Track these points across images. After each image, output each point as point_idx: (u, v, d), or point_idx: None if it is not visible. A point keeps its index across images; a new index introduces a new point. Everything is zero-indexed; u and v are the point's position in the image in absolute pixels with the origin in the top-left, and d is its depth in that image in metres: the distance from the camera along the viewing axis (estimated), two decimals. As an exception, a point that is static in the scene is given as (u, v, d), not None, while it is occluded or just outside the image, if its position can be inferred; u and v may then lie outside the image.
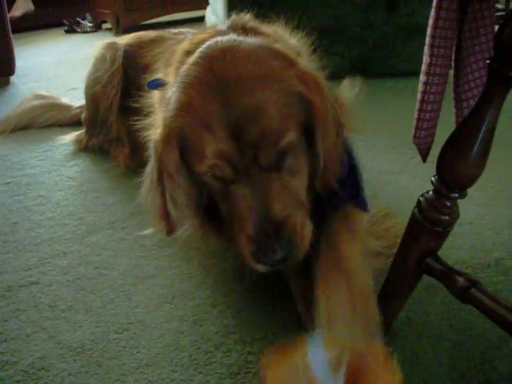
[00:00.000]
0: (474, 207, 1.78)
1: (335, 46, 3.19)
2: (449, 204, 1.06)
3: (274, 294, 1.35)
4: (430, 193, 1.08)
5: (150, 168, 1.23)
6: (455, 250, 1.55)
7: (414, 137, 1.12)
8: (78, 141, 2.39)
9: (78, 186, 1.93)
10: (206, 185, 1.15)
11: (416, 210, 1.10)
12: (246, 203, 1.08)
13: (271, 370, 0.99)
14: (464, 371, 1.15)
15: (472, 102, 1.12)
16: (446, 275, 1.08)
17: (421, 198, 1.10)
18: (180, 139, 1.13)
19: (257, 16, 1.45)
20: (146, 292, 1.37)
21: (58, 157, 2.27)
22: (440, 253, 1.14)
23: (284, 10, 2.93)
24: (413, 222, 1.11)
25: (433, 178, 1.06)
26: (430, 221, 1.08)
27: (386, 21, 3.22)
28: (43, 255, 1.51)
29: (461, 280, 1.04)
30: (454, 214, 1.07)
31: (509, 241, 1.61)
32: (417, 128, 1.10)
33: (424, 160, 1.17)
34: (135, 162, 2.03)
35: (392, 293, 1.21)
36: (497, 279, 1.44)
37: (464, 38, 1.07)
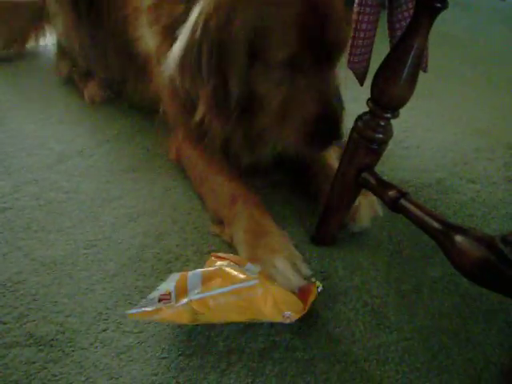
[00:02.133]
0: (422, 132, 1.90)
1: None
2: (382, 123, 1.16)
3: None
4: (366, 115, 1.18)
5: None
6: (401, 171, 1.67)
7: (349, 62, 1.22)
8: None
9: (47, 118, 2.00)
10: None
11: (353, 129, 1.20)
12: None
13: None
14: (398, 276, 1.28)
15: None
16: (380, 188, 1.19)
17: (358, 120, 1.20)
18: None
19: None
20: (113, 212, 1.47)
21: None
22: (386, 173, 1.25)
23: None
24: (351, 141, 1.22)
25: (368, 101, 1.17)
26: (366, 139, 1.18)
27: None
28: (16, 183, 1.59)
29: (392, 192, 1.15)
30: (388, 133, 1.18)
31: (451, 163, 1.73)
32: (351, 54, 1.20)
33: (361, 84, 1.27)
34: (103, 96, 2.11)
35: (335, 206, 1.32)
36: (436, 197, 1.56)
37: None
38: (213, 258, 1.21)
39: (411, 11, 1.19)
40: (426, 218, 1.09)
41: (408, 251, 1.36)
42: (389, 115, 1.15)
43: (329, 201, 1.32)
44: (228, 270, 1.11)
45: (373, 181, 1.21)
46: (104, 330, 1.13)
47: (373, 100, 1.15)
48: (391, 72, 1.09)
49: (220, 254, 1.21)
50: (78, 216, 1.45)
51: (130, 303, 1.18)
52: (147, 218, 1.45)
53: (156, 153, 1.76)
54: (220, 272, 1.10)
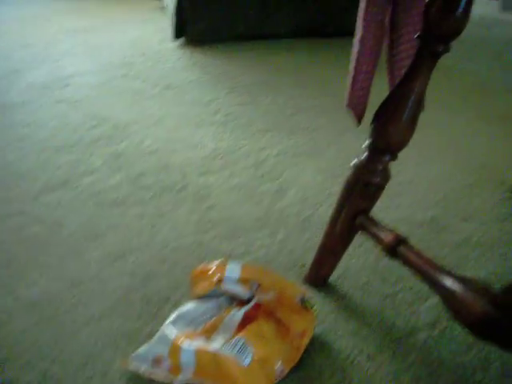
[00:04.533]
0: (413, 166, 1.87)
1: (288, 6, 3.22)
2: (380, 167, 1.13)
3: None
4: (363, 156, 1.15)
5: None
6: (394, 208, 1.63)
7: (348, 103, 1.19)
8: None
9: (30, 145, 1.96)
10: None
11: (350, 172, 1.17)
12: None
13: (195, 283, 1.21)
14: (393, 321, 1.24)
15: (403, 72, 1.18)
16: (377, 233, 1.15)
17: (355, 161, 1.17)
18: None
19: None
20: (98, 249, 1.43)
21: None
22: (379, 211, 1.22)
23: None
24: (347, 183, 1.19)
25: (366, 142, 1.14)
26: (363, 182, 1.15)
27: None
28: (-3, 215, 1.54)
29: (389, 238, 1.12)
30: (386, 177, 1.15)
31: (444, 200, 1.70)
32: (350, 95, 1.17)
33: (358, 123, 1.24)
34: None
35: (329, 249, 1.28)
36: (430, 236, 1.52)
37: (398, 10, 1.13)
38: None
39: (410, 51, 1.16)
40: (426, 268, 1.05)
41: (402, 295, 1.33)
42: (387, 159, 1.12)
43: (323, 244, 1.28)
44: (223, 359, 1.05)
45: (369, 225, 1.17)
46: (89, 378, 1.08)
47: (371, 143, 1.11)
48: (390, 115, 1.07)
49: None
50: (62, 252, 1.40)
51: (117, 349, 1.13)
52: (134, 255, 1.40)
53: (144, 184, 1.71)
54: (214, 362, 1.05)
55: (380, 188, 1.16)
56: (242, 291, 1.17)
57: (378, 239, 1.15)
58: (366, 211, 1.20)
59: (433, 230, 1.58)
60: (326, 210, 1.63)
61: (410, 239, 1.10)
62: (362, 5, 1.11)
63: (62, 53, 3.08)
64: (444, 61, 1.03)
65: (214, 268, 1.20)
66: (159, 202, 1.63)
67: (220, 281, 1.18)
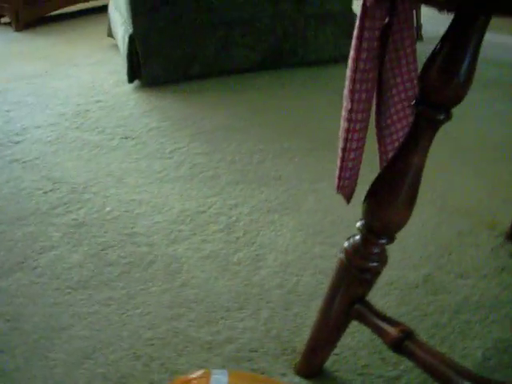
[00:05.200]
0: (397, 217, 1.74)
1: (246, 39, 3.10)
2: (377, 251, 1.01)
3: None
4: (357, 238, 1.02)
5: None
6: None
7: (338, 187, 1.06)
8: None
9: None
10: None
11: (343, 256, 1.04)
12: None
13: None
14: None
15: (397, 144, 1.06)
16: (378, 325, 1.02)
17: (347, 244, 1.04)
18: None
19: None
20: (64, 346, 1.28)
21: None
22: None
23: (188, 3, 2.88)
24: (340, 270, 1.06)
25: (358, 224, 1.01)
26: (358, 268, 1.02)
27: (296, 10, 3.14)
28: None
29: (394, 331, 0.99)
30: (383, 260, 1.02)
31: (435, 253, 1.58)
32: (340, 177, 1.04)
33: (348, 202, 1.11)
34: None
35: (323, 339, 1.15)
36: (426, 300, 1.41)
37: (386, 77, 1.01)
38: None
39: (403, 121, 1.04)
40: (439, 367, 0.93)
41: (406, 377, 1.19)
42: (384, 241, 0.99)
43: (316, 335, 1.15)
44: None
45: (369, 315, 1.05)
46: None
47: (365, 224, 0.98)
48: (386, 195, 0.95)
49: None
50: (23, 354, 1.25)
51: None
52: (105, 352, 1.25)
53: (109, 259, 1.56)
54: None
55: (377, 273, 1.03)
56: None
57: (379, 332, 1.03)
58: (362, 298, 1.06)
59: (428, 292, 1.46)
60: (310, 278, 1.51)
61: (415, 332, 0.99)
62: (349, 72, 0.98)
63: (11, 103, 2.90)
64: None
65: (195, 381, 1.05)
66: (127, 281, 1.48)
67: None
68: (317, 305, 1.34)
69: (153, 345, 1.29)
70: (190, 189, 1.98)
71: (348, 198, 1.09)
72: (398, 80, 1.03)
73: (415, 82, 1.02)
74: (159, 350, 1.27)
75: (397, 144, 1.06)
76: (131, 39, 2.92)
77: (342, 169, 1.03)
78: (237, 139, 2.40)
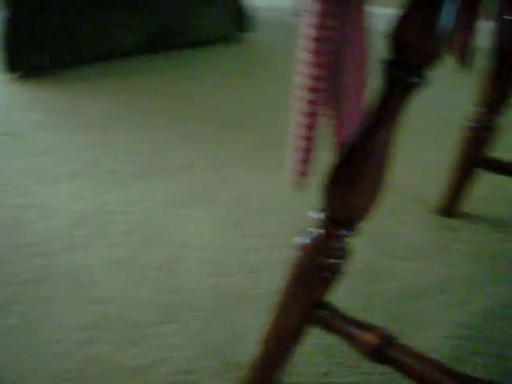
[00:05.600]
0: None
1: (130, 20, 2.86)
2: (338, 245, 0.84)
3: None
4: (314, 231, 0.85)
5: None
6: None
7: (302, 173, 0.87)
8: None
9: None
10: None
11: (298, 254, 0.86)
12: None
13: None
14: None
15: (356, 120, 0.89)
16: (350, 332, 0.86)
17: (301, 239, 0.87)
18: None
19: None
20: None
21: None
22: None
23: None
24: (297, 271, 0.89)
25: (315, 214, 0.83)
26: (317, 267, 0.85)
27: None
28: None
29: (371, 337, 0.83)
30: (345, 256, 0.85)
31: (369, 233, 1.43)
32: (305, 161, 0.85)
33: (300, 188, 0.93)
34: None
35: (275, 351, 0.98)
36: (372, 288, 1.25)
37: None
38: None
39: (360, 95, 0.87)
40: (427, 371, 0.79)
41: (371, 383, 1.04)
42: (346, 232, 0.82)
43: (269, 345, 0.97)
44: None
45: (335, 320, 0.87)
46: None
47: (325, 215, 0.81)
48: (350, 178, 0.77)
49: None
50: None
51: None
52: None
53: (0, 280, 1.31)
54: None
55: (339, 271, 0.86)
56: None
57: (351, 339, 0.86)
58: (322, 301, 0.89)
59: (372, 279, 1.31)
60: (239, 277, 1.34)
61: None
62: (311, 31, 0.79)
63: None
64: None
65: None
66: (26, 303, 1.24)
67: None
68: (253, 308, 1.17)
69: (68, 379, 1.07)
70: (86, 186, 1.74)
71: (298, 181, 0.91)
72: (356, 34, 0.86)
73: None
74: (80, 385, 1.05)
75: (354, 121, 0.89)
76: (7, 26, 2.61)
77: (308, 150, 0.85)
78: (131, 128, 2.17)
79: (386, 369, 1.05)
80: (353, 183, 0.79)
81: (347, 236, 0.85)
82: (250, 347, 1.13)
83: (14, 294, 1.28)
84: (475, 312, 1.27)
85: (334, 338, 1.10)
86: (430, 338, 1.17)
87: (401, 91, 0.74)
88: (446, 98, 2.64)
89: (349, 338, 0.87)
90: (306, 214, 1.58)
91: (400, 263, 1.40)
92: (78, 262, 1.38)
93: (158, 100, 2.51)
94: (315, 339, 1.13)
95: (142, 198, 1.66)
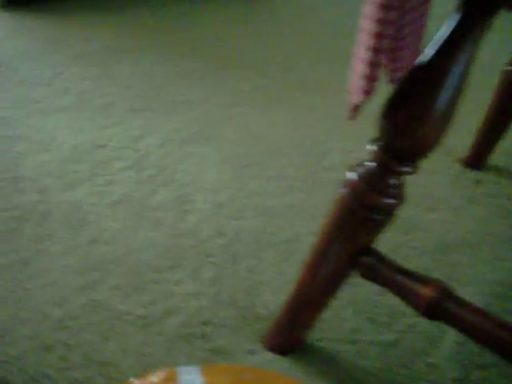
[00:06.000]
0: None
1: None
2: (395, 182, 0.71)
3: None
4: (368, 166, 0.72)
5: None
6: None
7: (367, 91, 0.72)
8: None
9: None
10: None
11: (346, 191, 0.74)
12: None
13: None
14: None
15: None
16: (401, 282, 0.73)
17: (352, 175, 0.74)
18: None
19: None
20: None
21: None
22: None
23: None
24: (342, 208, 0.75)
25: (371, 146, 0.70)
26: (369, 207, 0.72)
27: None
28: None
29: (427, 291, 0.71)
30: (401, 197, 0.73)
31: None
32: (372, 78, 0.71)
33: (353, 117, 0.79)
34: None
35: (306, 304, 0.86)
36: (400, 241, 1.13)
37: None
38: None
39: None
40: (492, 329, 0.67)
41: (408, 338, 0.92)
42: (407, 169, 0.69)
43: (299, 296, 0.84)
44: None
45: (384, 270, 0.75)
46: None
47: (382, 147, 0.68)
48: (418, 103, 0.63)
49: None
50: None
51: None
52: (0, 345, 0.89)
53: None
54: None
55: (392, 214, 0.74)
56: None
57: (403, 292, 0.74)
58: (370, 247, 0.77)
59: (399, 231, 1.18)
60: (253, 221, 1.22)
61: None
62: None
63: None
64: None
65: None
66: (18, 241, 1.11)
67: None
68: (269, 255, 1.04)
69: (67, 328, 0.94)
70: (81, 119, 1.59)
71: (355, 109, 0.76)
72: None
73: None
74: (77, 335, 0.93)
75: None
76: None
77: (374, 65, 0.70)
78: (128, 61, 2.01)
79: (422, 327, 0.95)
80: (419, 111, 0.66)
81: (406, 173, 0.72)
82: (268, 298, 1.01)
83: (4, 231, 1.14)
84: (508, 269, 1.16)
85: (365, 291, 0.99)
86: (463, 295, 1.05)
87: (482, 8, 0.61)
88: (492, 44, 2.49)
89: (399, 290, 0.75)
90: (316, 156, 1.46)
91: (429, 214, 1.28)
92: (72, 200, 1.25)
93: (157, 34, 2.34)
94: (344, 292, 1.01)
95: (141, 134, 1.52)
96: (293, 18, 2.67)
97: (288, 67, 2.05)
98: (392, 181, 0.73)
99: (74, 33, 2.25)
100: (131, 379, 0.73)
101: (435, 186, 1.38)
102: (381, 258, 0.78)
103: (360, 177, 0.74)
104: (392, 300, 1.00)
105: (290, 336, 0.92)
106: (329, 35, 2.47)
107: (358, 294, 1.04)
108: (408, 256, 1.14)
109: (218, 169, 1.40)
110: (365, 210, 0.74)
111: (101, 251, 1.10)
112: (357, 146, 1.53)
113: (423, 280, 0.73)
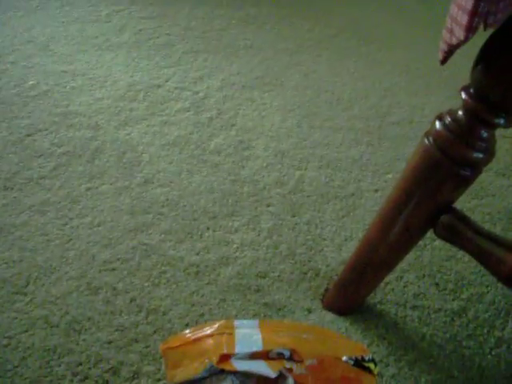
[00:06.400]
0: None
1: None
2: (486, 135, 0.62)
3: None
4: (458, 115, 0.63)
5: None
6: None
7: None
8: None
9: None
10: None
11: (430, 142, 0.65)
12: None
13: (176, 362, 0.67)
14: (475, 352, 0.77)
15: None
16: (484, 248, 0.65)
17: (438, 125, 0.65)
18: None
19: None
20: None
21: None
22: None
23: None
24: (425, 160, 0.67)
25: (463, 95, 0.62)
26: (457, 160, 0.64)
27: None
28: None
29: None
30: (491, 152, 0.64)
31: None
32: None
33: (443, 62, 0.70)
34: None
35: (374, 262, 0.78)
36: (472, 205, 1.04)
37: None
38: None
39: None
40: None
41: (472, 312, 0.85)
42: (501, 121, 0.60)
43: (366, 254, 0.77)
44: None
45: (467, 232, 0.66)
46: None
47: (474, 93, 0.60)
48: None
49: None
50: None
51: None
52: (45, 283, 0.87)
53: (36, 148, 1.13)
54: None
55: (480, 170, 0.65)
56: (265, 369, 0.64)
57: (486, 258, 0.66)
58: (452, 206, 0.69)
59: (470, 195, 1.10)
60: (316, 172, 1.14)
61: None
62: None
63: None
64: None
65: (211, 338, 0.66)
66: (67, 177, 1.07)
67: (226, 357, 0.64)
68: (330, 209, 0.97)
69: (114, 270, 0.89)
70: (138, 58, 1.53)
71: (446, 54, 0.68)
72: None
73: None
74: (125, 279, 0.88)
75: None
76: None
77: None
78: (188, 2, 1.92)
79: (490, 297, 0.87)
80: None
81: (498, 125, 0.63)
82: (328, 254, 0.94)
83: (53, 167, 1.09)
84: None
85: (430, 254, 0.92)
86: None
87: None
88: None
89: (480, 253, 0.67)
90: (382, 110, 1.37)
91: (498, 179, 1.19)
92: (126, 139, 1.19)
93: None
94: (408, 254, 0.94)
95: (201, 76, 1.45)
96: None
97: (356, 19, 1.95)
98: (482, 133, 0.64)
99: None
100: (186, 331, 0.68)
101: (506, 151, 1.29)
102: (462, 218, 0.70)
103: (447, 126, 0.65)
104: (459, 266, 0.93)
105: (351, 297, 0.85)
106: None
107: (422, 256, 0.96)
108: (482, 223, 1.05)
109: (281, 116, 1.32)
110: (451, 162, 0.66)
111: (154, 193, 1.04)
112: (423, 102, 1.44)
113: (509, 246, 0.65)
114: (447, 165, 0.66)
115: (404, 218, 0.73)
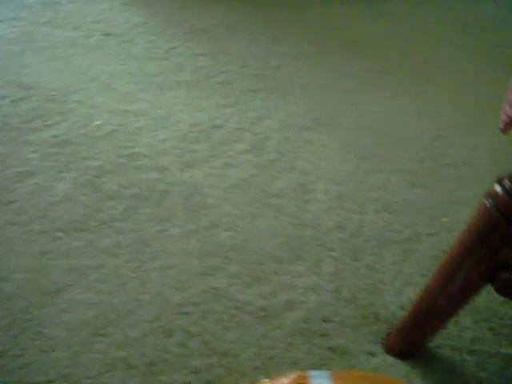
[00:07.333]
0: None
1: None
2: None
3: None
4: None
5: None
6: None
7: None
8: None
9: None
10: None
11: (491, 204, 0.69)
12: None
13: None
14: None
15: None
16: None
17: (499, 188, 0.68)
18: None
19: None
20: (62, 317, 0.97)
21: None
22: None
23: None
24: (485, 220, 0.70)
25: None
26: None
27: None
28: None
29: None
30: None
31: None
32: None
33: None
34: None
35: (435, 311, 0.82)
36: None
37: None
38: None
39: None
40: None
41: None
42: None
43: (428, 302, 0.81)
44: None
45: None
46: None
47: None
48: None
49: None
50: (8, 330, 0.90)
51: None
52: (122, 326, 0.92)
53: (106, 190, 1.19)
54: None
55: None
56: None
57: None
58: (509, 263, 0.72)
59: None
60: (374, 216, 1.19)
61: None
62: None
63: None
64: None
65: None
66: (137, 220, 1.12)
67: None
68: (391, 253, 1.00)
69: (187, 314, 0.94)
70: (198, 97, 1.59)
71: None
72: None
73: None
74: (197, 322, 0.93)
75: None
76: None
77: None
78: (244, 39, 1.99)
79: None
80: None
81: None
82: (388, 298, 0.98)
83: (124, 209, 1.15)
84: None
85: (486, 299, 0.95)
86: None
87: None
88: None
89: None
90: (437, 152, 1.40)
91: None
92: (191, 181, 1.24)
93: (274, 11, 2.31)
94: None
95: (259, 116, 1.50)
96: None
97: (408, 52, 1.98)
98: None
99: (187, 7, 2.25)
100: (264, 379, 0.72)
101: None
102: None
103: (507, 190, 0.69)
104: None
105: (412, 341, 0.88)
106: (446, 20, 2.38)
107: (478, 301, 0.99)
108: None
109: (339, 158, 1.36)
110: (510, 224, 0.69)
111: (221, 237, 1.09)
112: (478, 143, 1.47)
113: None
114: (505, 227, 0.69)
115: (464, 272, 0.77)
